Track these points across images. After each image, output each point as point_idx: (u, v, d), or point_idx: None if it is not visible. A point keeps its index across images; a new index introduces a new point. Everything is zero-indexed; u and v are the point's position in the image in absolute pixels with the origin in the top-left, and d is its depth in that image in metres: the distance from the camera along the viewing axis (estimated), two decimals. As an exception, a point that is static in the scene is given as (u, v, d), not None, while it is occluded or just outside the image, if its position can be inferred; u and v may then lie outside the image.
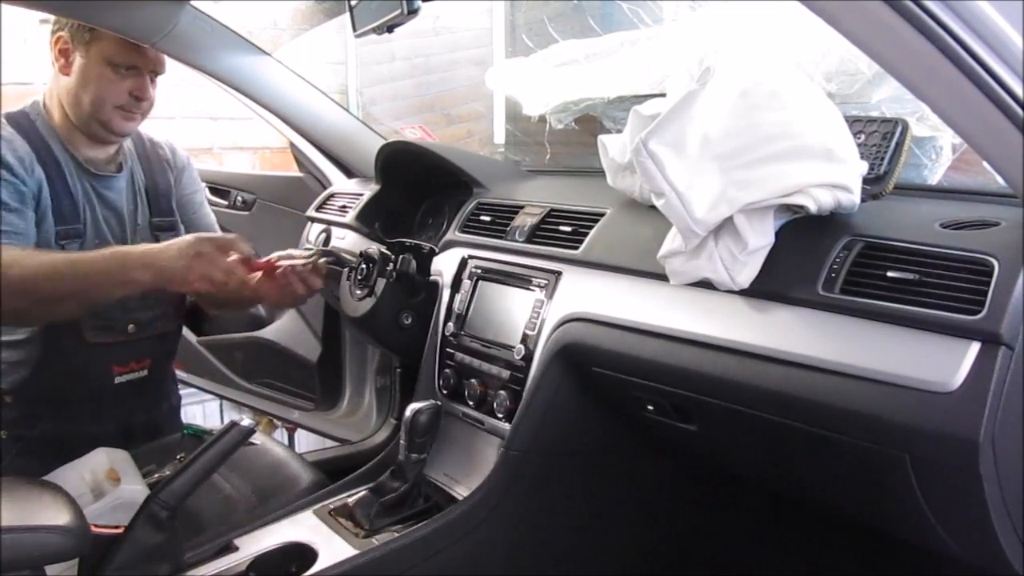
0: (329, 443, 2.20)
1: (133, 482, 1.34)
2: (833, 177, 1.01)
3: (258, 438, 1.65)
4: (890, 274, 0.95)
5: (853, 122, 1.12)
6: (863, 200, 1.05)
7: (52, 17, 1.58)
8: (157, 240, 1.64)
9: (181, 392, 1.90)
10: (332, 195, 2.09)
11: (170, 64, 1.66)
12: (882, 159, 1.10)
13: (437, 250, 1.67)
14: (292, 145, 2.24)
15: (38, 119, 1.56)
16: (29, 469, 1.42)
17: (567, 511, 1.45)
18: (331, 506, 1.45)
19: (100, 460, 1.38)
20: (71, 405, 1.55)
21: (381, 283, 1.58)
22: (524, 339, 1.39)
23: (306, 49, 2.94)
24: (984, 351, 0.85)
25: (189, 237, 1.42)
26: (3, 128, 1.50)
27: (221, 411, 2.92)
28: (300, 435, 2.71)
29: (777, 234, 1.05)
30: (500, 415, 1.40)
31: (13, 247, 1.38)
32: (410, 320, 1.60)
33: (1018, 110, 0.77)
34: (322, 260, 1.56)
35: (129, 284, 1.39)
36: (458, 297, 1.56)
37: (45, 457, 1.43)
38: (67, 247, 1.52)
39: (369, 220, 1.89)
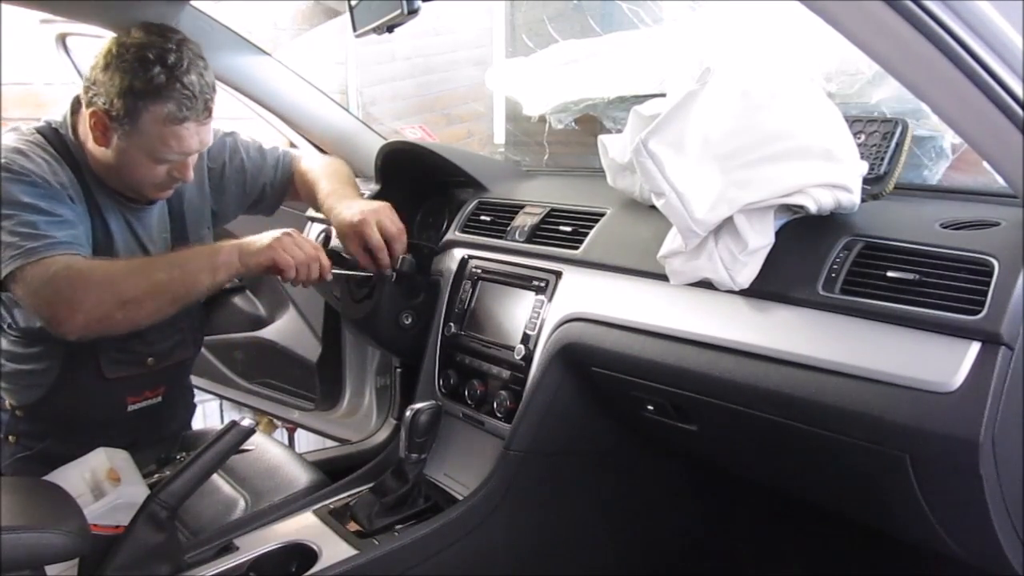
0: (329, 443, 2.20)
1: (133, 482, 1.33)
2: (833, 177, 1.01)
3: (258, 438, 1.65)
4: (890, 274, 0.95)
5: (853, 122, 1.12)
6: (863, 200, 1.05)
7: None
8: None
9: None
10: (332, 195, 2.09)
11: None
12: (882, 159, 1.10)
13: (437, 250, 1.67)
14: (292, 145, 2.23)
15: (68, 140, 1.46)
16: (32, 473, 1.41)
17: (567, 511, 1.45)
18: (331, 506, 1.46)
19: (100, 460, 1.38)
20: (80, 429, 1.52)
21: (381, 284, 1.58)
22: (524, 339, 1.39)
23: (306, 49, 2.94)
24: (984, 351, 0.86)
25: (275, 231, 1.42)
26: (48, 151, 1.42)
27: (221, 411, 2.91)
28: (300, 435, 2.71)
29: (777, 234, 1.05)
30: (500, 415, 1.40)
31: (84, 258, 1.35)
32: (410, 320, 1.60)
33: (1018, 110, 0.77)
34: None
35: (219, 269, 1.36)
36: (458, 297, 1.56)
37: (50, 467, 1.41)
38: None
39: (369, 220, 1.88)
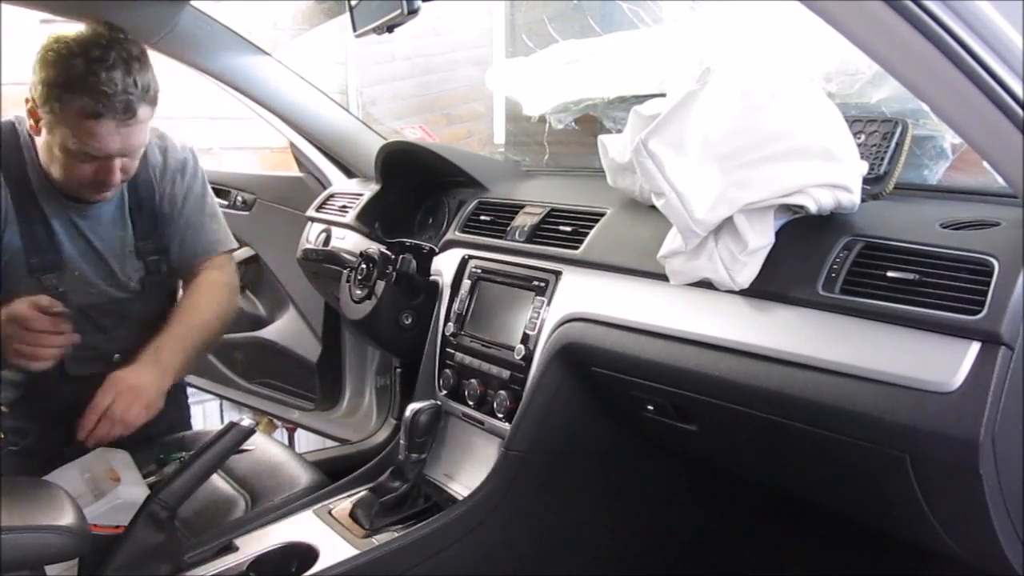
0: (329, 443, 2.20)
1: (133, 482, 1.34)
2: (833, 177, 1.01)
3: (258, 438, 1.65)
4: (890, 274, 0.95)
5: (853, 122, 1.12)
6: (863, 200, 1.05)
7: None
8: (145, 266, 1.56)
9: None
10: (332, 195, 2.09)
11: (170, 64, 1.64)
12: (882, 159, 1.10)
13: (437, 250, 1.67)
14: (292, 145, 2.24)
15: (23, 138, 1.45)
16: (27, 467, 1.42)
17: (567, 511, 1.45)
18: (331, 506, 1.45)
19: (100, 460, 1.38)
20: (58, 426, 1.50)
21: (381, 284, 1.58)
22: (524, 339, 1.39)
23: (306, 49, 2.93)
24: (984, 351, 0.85)
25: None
26: None
27: (221, 411, 2.92)
28: (300, 435, 2.71)
29: (777, 234, 1.05)
30: (500, 415, 1.40)
31: None
32: (410, 321, 1.60)
33: (1018, 110, 0.77)
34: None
35: None
36: (458, 297, 1.56)
37: (40, 460, 1.41)
38: (44, 280, 1.45)
39: (369, 220, 1.89)
